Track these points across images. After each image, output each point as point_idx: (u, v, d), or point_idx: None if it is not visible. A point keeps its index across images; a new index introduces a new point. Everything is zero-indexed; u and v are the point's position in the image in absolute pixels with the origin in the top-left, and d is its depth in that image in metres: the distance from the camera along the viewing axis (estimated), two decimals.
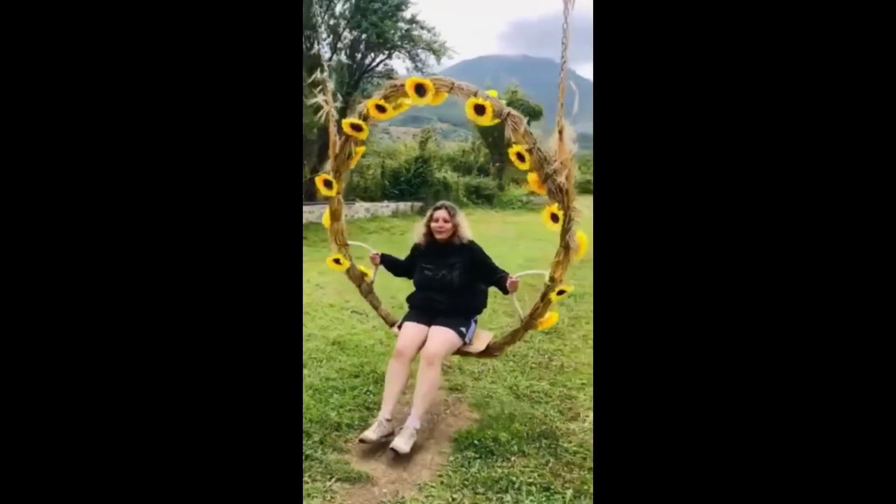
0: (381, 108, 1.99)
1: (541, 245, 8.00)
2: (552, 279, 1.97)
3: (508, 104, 1.90)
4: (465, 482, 1.76)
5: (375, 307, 2.53)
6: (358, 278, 2.45)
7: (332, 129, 2.19)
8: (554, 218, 1.89)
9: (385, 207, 11.48)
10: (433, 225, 2.29)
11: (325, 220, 2.38)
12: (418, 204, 12.27)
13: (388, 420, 2.00)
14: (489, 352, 2.29)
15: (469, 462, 1.89)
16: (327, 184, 2.24)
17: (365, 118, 2.06)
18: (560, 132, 1.81)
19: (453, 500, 1.67)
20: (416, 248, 2.42)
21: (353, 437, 2.02)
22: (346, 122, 2.06)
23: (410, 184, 12.38)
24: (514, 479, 1.77)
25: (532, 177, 1.95)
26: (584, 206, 1.86)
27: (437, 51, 10.25)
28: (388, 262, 2.48)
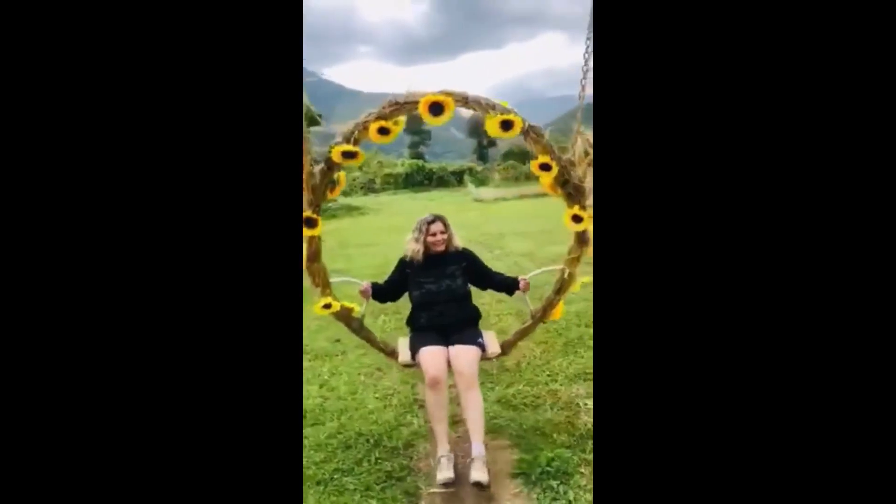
0: (384, 131, 1.67)
1: (374, 250, 7.88)
2: (569, 274, 2.09)
3: None
4: None
5: (372, 341, 2.26)
6: (346, 317, 2.14)
7: (305, 157, 1.74)
8: (576, 219, 1.92)
9: None
10: (430, 239, 2.22)
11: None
12: None
13: (450, 453, 1.91)
14: (503, 352, 2.30)
15: (556, 489, 1.80)
16: (309, 222, 1.78)
17: (356, 142, 1.70)
18: (577, 138, 1.83)
19: None
20: (405, 265, 2.28)
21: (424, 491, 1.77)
22: (336, 150, 1.68)
23: None
24: None
25: (546, 180, 1.93)
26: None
27: None
28: (376, 291, 2.26)
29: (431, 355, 2.01)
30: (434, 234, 2.21)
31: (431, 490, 1.84)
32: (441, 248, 2.23)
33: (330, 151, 1.71)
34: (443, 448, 1.90)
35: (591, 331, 3.15)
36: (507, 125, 1.70)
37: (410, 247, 2.26)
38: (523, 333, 2.30)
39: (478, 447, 1.85)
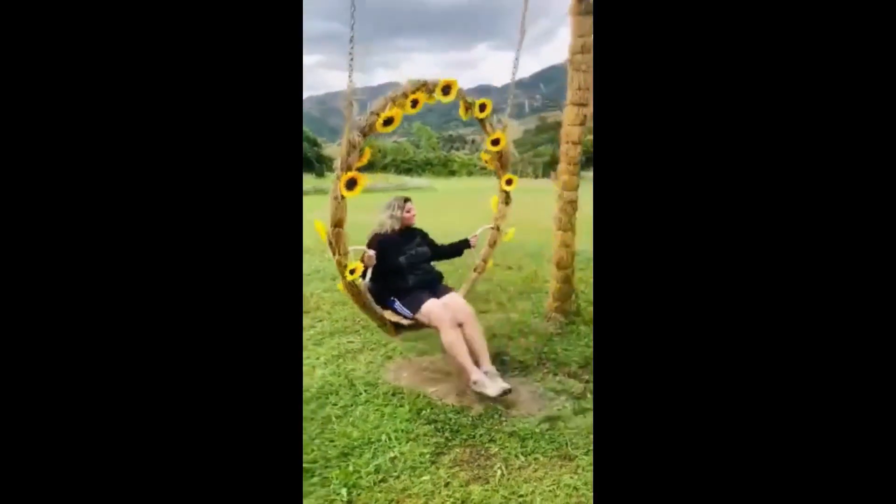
0: (415, 103, 2.09)
1: None
2: (498, 228, 2.89)
3: None
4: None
5: (369, 307, 2.31)
6: (356, 290, 2.21)
7: (350, 115, 1.93)
8: (509, 182, 2.74)
9: None
10: (407, 215, 2.66)
11: (321, 227, 2.01)
12: None
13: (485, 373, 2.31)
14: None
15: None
16: (350, 184, 1.97)
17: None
18: (504, 127, 2.67)
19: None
20: (382, 239, 2.56)
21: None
22: (382, 116, 1.99)
23: None
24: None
25: (485, 156, 2.69)
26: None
27: None
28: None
29: (439, 305, 2.43)
30: (409, 211, 2.66)
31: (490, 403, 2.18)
32: (413, 223, 2.70)
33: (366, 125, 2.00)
34: (477, 373, 2.26)
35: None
36: (482, 108, 2.40)
37: (389, 221, 2.62)
38: (472, 283, 2.95)
39: (490, 366, 2.34)
